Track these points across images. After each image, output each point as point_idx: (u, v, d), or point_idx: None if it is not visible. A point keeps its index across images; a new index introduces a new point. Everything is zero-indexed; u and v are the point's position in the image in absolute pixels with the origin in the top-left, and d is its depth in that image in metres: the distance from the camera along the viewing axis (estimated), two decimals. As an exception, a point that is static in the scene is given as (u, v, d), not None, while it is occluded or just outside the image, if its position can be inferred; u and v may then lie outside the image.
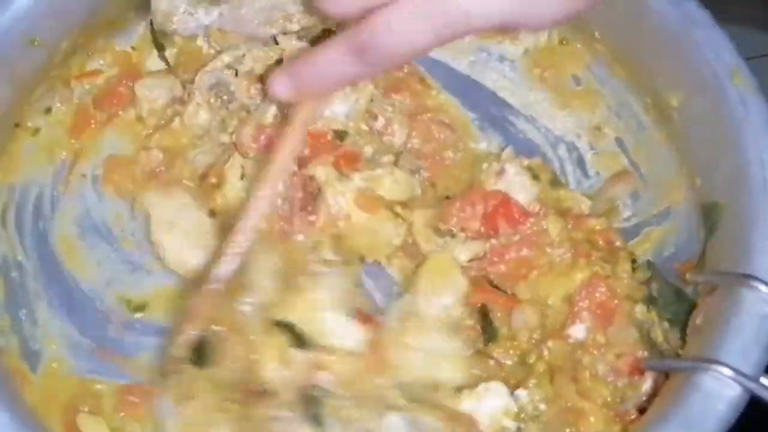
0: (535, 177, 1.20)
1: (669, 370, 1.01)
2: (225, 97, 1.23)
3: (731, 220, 1.06)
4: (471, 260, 1.15)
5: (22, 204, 1.23)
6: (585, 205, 1.21)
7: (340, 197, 1.15)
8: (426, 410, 1.03)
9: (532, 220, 1.14)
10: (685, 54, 1.14)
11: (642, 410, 1.04)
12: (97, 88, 1.29)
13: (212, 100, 1.23)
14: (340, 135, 1.20)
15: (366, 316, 1.10)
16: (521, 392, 1.07)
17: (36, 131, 1.25)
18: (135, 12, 1.30)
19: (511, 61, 1.34)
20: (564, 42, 1.32)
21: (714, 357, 0.94)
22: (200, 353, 1.09)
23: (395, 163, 1.20)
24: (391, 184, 1.17)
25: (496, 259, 1.14)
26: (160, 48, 1.30)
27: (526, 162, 1.21)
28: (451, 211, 1.16)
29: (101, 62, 1.29)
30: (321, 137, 1.19)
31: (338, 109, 1.20)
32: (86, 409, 1.12)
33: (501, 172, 1.20)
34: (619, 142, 1.29)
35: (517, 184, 1.19)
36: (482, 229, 1.15)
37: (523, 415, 1.06)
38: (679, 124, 1.18)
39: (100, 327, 1.19)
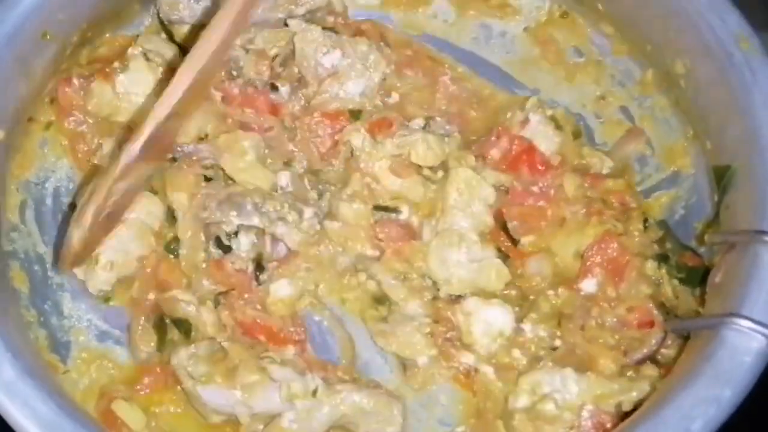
0: (559, 127, 1.24)
1: (693, 328, 1.04)
2: (234, 72, 1.24)
3: (744, 181, 1.09)
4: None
5: (40, 199, 1.24)
6: (606, 165, 1.24)
7: (374, 163, 1.19)
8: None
9: (553, 172, 1.19)
10: (690, 21, 1.16)
11: (654, 361, 1.09)
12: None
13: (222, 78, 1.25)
14: (356, 114, 1.23)
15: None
16: (526, 326, 1.13)
17: (48, 125, 1.26)
18: (140, 3, 1.31)
19: (513, 36, 1.36)
20: (565, 15, 1.34)
21: (736, 312, 0.97)
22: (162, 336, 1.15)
23: (425, 128, 1.23)
24: (425, 150, 1.20)
25: (516, 200, 1.18)
26: (170, 35, 1.30)
27: (550, 111, 1.25)
28: (497, 142, 1.21)
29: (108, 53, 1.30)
30: (337, 117, 1.22)
31: (353, 89, 1.23)
32: (120, 396, 1.13)
33: (525, 121, 1.23)
34: (624, 110, 1.31)
35: (541, 133, 1.23)
36: (504, 167, 1.20)
37: (532, 348, 1.12)
38: (685, 90, 1.20)
39: (126, 315, 1.20)
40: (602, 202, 1.18)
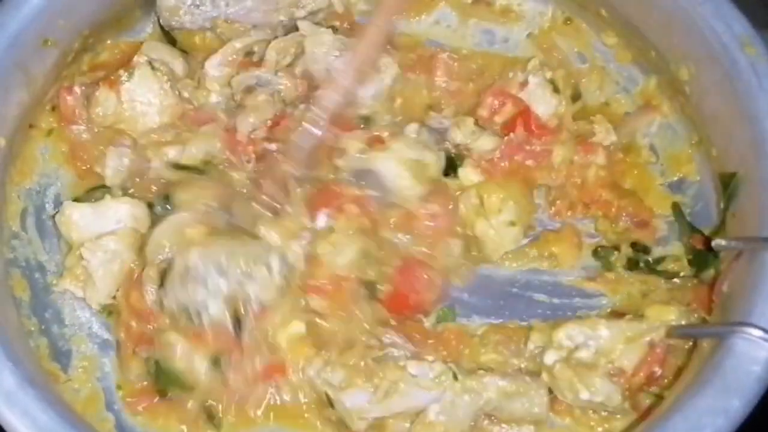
0: (557, 90, 1.24)
1: (702, 336, 1.03)
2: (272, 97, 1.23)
3: (751, 188, 1.09)
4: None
5: (40, 206, 1.23)
6: (610, 138, 1.24)
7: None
8: None
9: (548, 135, 1.21)
10: (695, 27, 1.15)
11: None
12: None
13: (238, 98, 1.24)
14: (367, 120, 1.23)
15: None
16: None
17: (49, 132, 1.25)
18: (141, 10, 1.30)
19: (516, 42, 1.35)
20: (568, 22, 1.34)
21: (744, 320, 0.96)
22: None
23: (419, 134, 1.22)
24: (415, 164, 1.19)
25: (507, 153, 1.20)
26: (173, 42, 1.30)
27: (549, 74, 1.25)
28: (486, 100, 1.23)
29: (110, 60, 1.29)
30: (348, 123, 1.22)
31: (364, 92, 1.22)
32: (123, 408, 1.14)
33: (524, 83, 1.24)
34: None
35: (539, 96, 1.23)
36: (502, 130, 1.22)
37: None
38: (690, 96, 1.20)
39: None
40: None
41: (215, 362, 1.11)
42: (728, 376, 0.94)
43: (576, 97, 1.27)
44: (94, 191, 1.21)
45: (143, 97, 1.21)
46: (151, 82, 1.21)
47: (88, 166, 1.23)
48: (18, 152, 1.21)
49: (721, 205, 1.14)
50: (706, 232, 1.18)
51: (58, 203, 1.23)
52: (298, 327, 1.12)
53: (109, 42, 1.29)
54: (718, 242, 1.04)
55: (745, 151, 1.10)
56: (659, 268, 1.20)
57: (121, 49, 1.29)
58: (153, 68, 1.22)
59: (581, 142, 1.22)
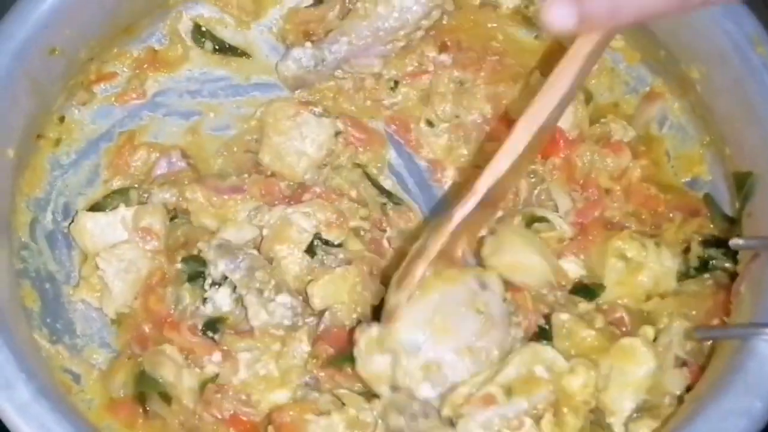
0: None
1: (722, 338, 1.02)
2: None
3: (766, 187, 1.08)
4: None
5: (50, 216, 1.22)
6: (629, 134, 1.23)
7: None
8: None
9: (571, 147, 1.20)
10: (704, 26, 1.14)
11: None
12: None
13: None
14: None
15: None
16: None
17: (57, 142, 1.25)
18: (148, 18, 1.29)
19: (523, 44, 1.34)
20: (576, 23, 1.33)
21: (764, 321, 0.96)
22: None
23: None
24: None
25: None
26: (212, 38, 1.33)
27: None
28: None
29: (122, 67, 1.29)
30: None
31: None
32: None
33: None
34: (639, 117, 1.29)
35: None
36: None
37: None
38: (702, 95, 1.19)
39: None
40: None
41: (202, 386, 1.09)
42: (750, 377, 0.93)
43: (588, 99, 1.26)
44: (110, 199, 1.21)
45: None
46: None
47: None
48: (27, 163, 1.20)
49: (736, 205, 1.13)
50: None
51: (67, 213, 1.23)
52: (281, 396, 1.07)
53: (116, 50, 1.28)
54: (735, 242, 1.03)
55: (759, 149, 1.09)
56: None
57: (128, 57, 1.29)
58: None
59: (605, 144, 1.21)
